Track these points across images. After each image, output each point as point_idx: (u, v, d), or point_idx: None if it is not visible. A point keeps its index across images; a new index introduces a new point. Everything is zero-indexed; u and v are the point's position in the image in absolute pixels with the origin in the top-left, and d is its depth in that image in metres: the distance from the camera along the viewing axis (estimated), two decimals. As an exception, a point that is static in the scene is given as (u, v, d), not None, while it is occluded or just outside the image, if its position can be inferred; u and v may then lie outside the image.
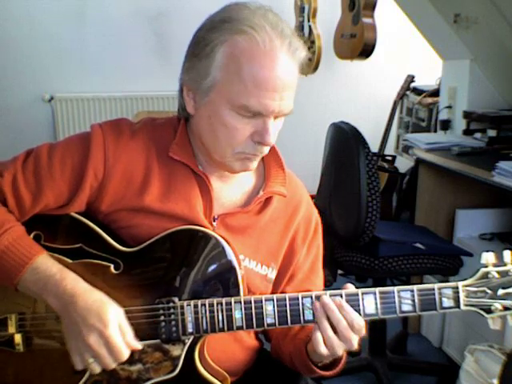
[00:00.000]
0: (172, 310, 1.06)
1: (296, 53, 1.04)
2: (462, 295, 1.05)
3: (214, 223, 1.14)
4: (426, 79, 3.60)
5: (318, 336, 1.03)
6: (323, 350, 1.03)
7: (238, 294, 1.07)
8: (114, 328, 0.99)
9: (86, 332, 0.99)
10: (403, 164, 3.56)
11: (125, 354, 1.01)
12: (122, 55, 3.74)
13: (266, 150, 1.11)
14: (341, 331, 1.03)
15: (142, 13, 3.72)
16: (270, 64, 1.01)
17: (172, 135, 1.15)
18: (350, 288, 1.07)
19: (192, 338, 1.07)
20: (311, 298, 1.05)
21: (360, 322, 1.03)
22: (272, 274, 1.21)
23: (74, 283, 1.03)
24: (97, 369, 1.01)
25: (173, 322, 1.05)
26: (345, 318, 1.03)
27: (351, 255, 2.25)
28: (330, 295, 1.05)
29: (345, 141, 2.21)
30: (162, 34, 3.75)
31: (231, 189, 1.19)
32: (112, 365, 1.01)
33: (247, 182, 1.21)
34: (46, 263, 1.04)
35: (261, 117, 1.05)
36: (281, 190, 1.19)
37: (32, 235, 1.09)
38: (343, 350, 1.05)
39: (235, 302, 1.05)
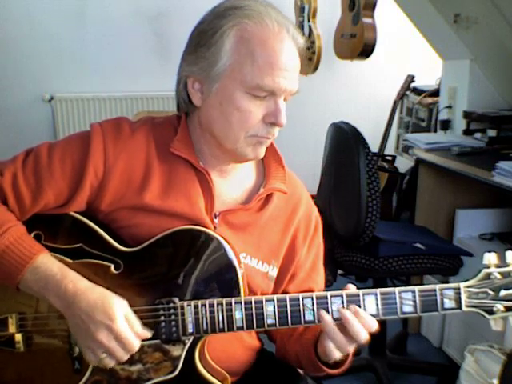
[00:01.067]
0: (172, 311, 1.05)
1: (297, 40, 1.09)
2: (463, 296, 1.05)
3: (215, 220, 1.14)
4: (426, 79, 3.60)
5: (331, 345, 1.04)
6: (338, 355, 1.05)
7: (238, 294, 1.07)
8: (121, 321, 1.00)
9: (94, 329, 0.99)
10: (403, 164, 3.56)
11: (136, 345, 1.01)
12: (122, 55, 3.73)
13: (277, 132, 1.13)
14: (356, 337, 1.03)
15: (142, 13, 3.72)
16: (280, 45, 1.05)
17: (172, 133, 1.16)
18: (352, 289, 1.07)
19: (192, 338, 1.06)
20: (312, 298, 1.05)
21: (375, 327, 1.04)
22: (273, 272, 1.20)
23: (75, 282, 1.03)
24: (111, 363, 1.02)
25: (173, 323, 1.05)
26: (363, 325, 1.03)
27: (351, 255, 2.25)
28: (331, 296, 1.05)
29: (345, 141, 2.20)
30: (162, 34, 3.75)
31: (231, 186, 1.19)
32: (125, 357, 1.01)
33: (247, 180, 1.21)
34: (47, 262, 1.04)
35: (272, 97, 1.07)
36: (281, 187, 1.20)
37: (32, 235, 1.09)
38: (353, 348, 1.06)
39: (235, 303, 1.05)
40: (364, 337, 1.03)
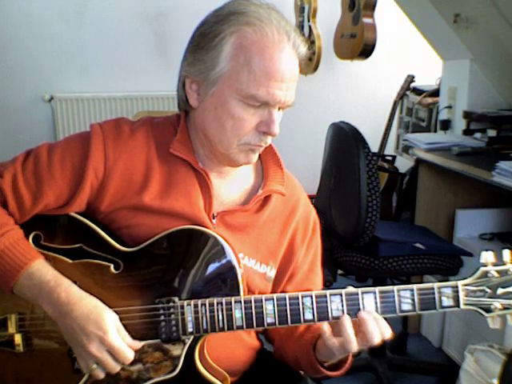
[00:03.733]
0: (172, 310, 1.06)
1: (299, 48, 1.08)
2: (461, 294, 1.05)
3: (214, 221, 1.14)
4: (426, 79, 3.60)
5: (337, 340, 1.03)
6: (339, 352, 1.04)
7: (238, 293, 1.07)
8: (113, 333, 1.00)
9: (86, 340, 0.99)
10: (403, 164, 3.56)
11: (130, 356, 1.02)
12: (122, 55, 3.73)
13: (269, 140, 1.13)
14: (371, 338, 1.02)
15: (141, 13, 3.72)
16: (279, 55, 1.04)
17: (172, 132, 1.16)
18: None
19: (192, 337, 1.07)
20: (311, 297, 1.05)
21: (388, 335, 1.04)
22: (271, 273, 1.21)
23: (68, 291, 1.03)
24: (101, 374, 1.02)
25: (173, 322, 1.06)
26: (380, 331, 1.03)
27: (351, 255, 2.25)
28: (330, 294, 1.05)
29: (345, 141, 2.21)
30: (162, 34, 3.75)
31: (230, 187, 1.19)
32: (116, 368, 1.02)
33: (246, 181, 1.22)
34: (42, 269, 1.04)
35: (266, 107, 1.07)
36: (279, 189, 1.20)
37: (32, 235, 1.09)
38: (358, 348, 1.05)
39: (235, 302, 1.05)
40: (377, 339, 1.02)
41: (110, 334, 0.99)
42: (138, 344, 1.04)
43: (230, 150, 1.11)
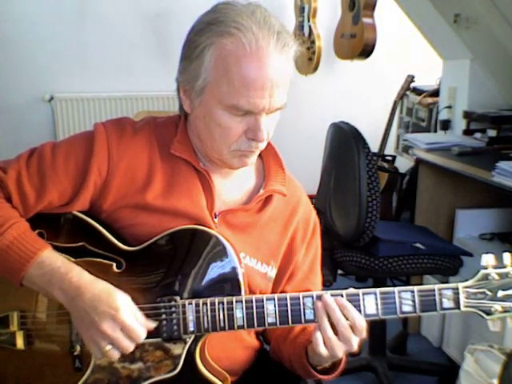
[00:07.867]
0: (173, 309, 1.06)
1: (284, 49, 1.05)
2: (461, 296, 1.05)
3: (215, 220, 1.15)
4: (426, 79, 3.60)
5: (318, 336, 1.03)
6: (323, 350, 1.03)
7: (239, 293, 1.07)
8: (125, 311, 1.00)
9: (98, 320, 0.99)
10: (403, 164, 3.56)
11: (142, 334, 1.01)
12: (122, 55, 3.74)
13: (262, 145, 1.12)
14: (341, 331, 1.03)
15: (141, 13, 3.72)
16: (257, 64, 1.02)
17: (174, 132, 1.17)
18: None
19: (193, 336, 1.07)
20: (312, 297, 1.06)
21: (362, 323, 1.03)
22: (272, 273, 1.21)
23: (79, 276, 1.03)
24: (115, 354, 1.02)
25: (174, 321, 1.06)
26: (347, 318, 1.03)
27: (351, 255, 2.25)
28: (331, 295, 1.05)
29: (345, 141, 2.21)
30: (162, 34, 3.75)
31: (232, 187, 1.20)
32: (130, 347, 1.01)
33: (248, 181, 1.22)
34: (51, 257, 1.05)
35: (252, 114, 1.06)
36: (281, 189, 1.20)
37: (35, 233, 1.09)
38: (343, 351, 1.05)
39: (236, 302, 1.05)
40: (343, 326, 1.02)
41: (121, 311, 0.99)
42: (152, 324, 1.04)
43: (222, 156, 1.12)
